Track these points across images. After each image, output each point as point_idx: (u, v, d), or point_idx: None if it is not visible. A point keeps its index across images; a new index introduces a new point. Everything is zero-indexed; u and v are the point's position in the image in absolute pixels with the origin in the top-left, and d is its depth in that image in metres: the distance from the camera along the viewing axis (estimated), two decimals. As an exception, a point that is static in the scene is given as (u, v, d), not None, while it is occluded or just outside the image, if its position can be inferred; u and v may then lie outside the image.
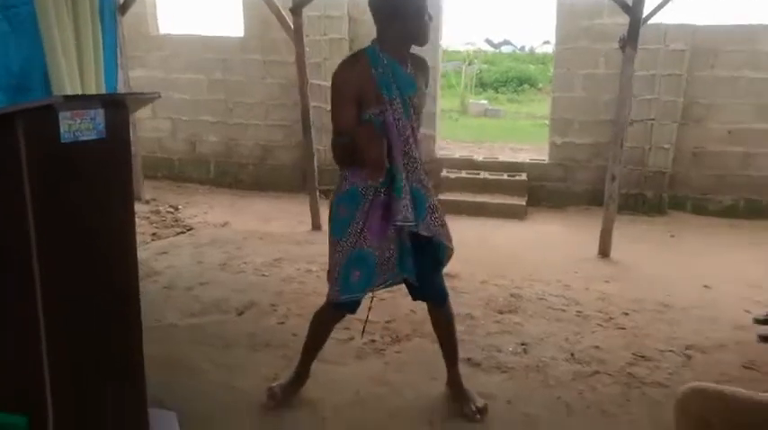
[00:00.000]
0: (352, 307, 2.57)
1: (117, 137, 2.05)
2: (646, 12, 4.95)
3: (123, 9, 5.83)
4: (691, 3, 6.39)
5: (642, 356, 3.25)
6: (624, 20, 5.00)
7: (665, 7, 5.10)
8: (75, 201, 1.96)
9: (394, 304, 3.67)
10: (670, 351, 3.33)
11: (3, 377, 1.91)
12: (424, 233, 2.47)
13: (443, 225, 2.56)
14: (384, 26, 2.36)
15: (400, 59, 2.39)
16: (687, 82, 6.48)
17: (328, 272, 2.60)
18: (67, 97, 2.08)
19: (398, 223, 2.41)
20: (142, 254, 4.76)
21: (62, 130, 1.87)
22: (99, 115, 1.96)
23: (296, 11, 5.34)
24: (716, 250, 5.51)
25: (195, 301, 3.87)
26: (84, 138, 1.95)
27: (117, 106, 2.04)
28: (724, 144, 6.60)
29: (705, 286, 4.48)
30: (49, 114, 1.79)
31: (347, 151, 2.31)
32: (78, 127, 1.93)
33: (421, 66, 2.52)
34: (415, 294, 2.67)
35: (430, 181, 2.57)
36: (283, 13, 5.43)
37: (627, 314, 3.85)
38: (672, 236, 5.99)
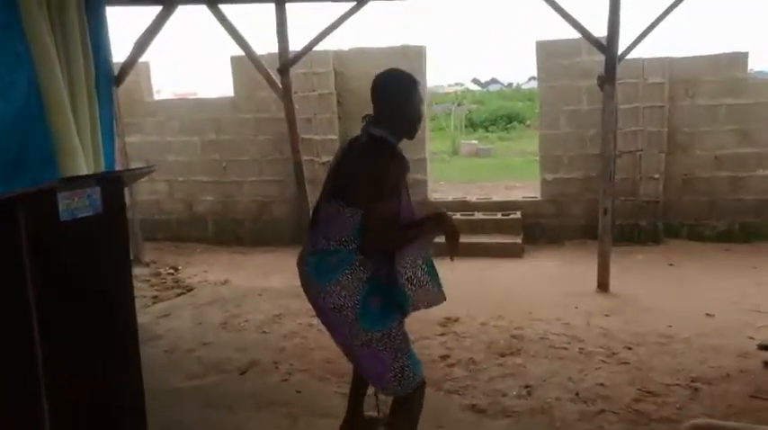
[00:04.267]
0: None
1: (113, 211, 2.12)
2: (621, 48, 5.12)
3: (118, 80, 5.99)
4: (666, 37, 6.58)
5: (648, 391, 3.24)
6: (602, 57, 5.16)
7: (640, 43, 5.28)
8: (73, 273, 2.01)
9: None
10: (676, 384, 3.32)
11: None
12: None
13: None
14: (395, 116, 2.33)
15: None
16: (669, 112, 6.64)
17: (381, 372, 2.36)
18: (66, 179, 2.17)
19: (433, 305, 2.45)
20: (143, 317, 4.77)
21: (61, 209, 1.94)
22: (95, 193, 2.04)
23: (283, 71, 5.51)
24: (715, 276, 5.53)
25: (197, 363, 3.86)
26: (82, 215, 2.02)
27: (112, 182, 2.12)
28: (712, 170, 6.71)
29: (707, 314, 4.49)
30: (49, 196, 1.87)
31: (410, 239, 2.32)
32: (76, 205, 2.00)
33: None
34: None
35: None
36: (271, 73, 5.59)
37: (630, 348, 3.85)
38: (670, 264, 6.01)
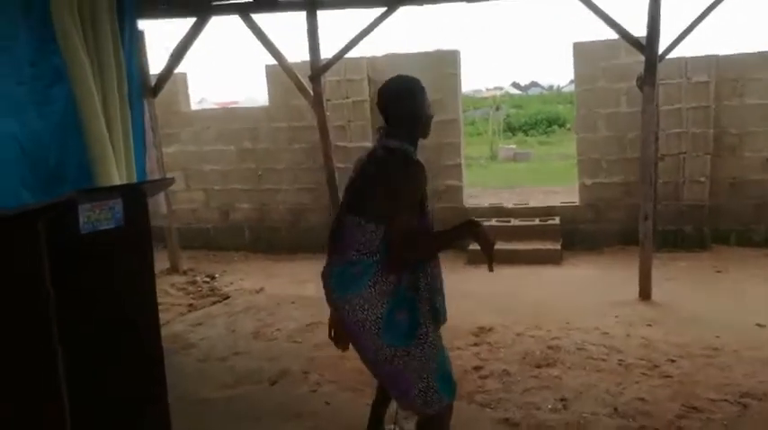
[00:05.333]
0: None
1: (135, 223, 2.12)
2: (662, 48, 4.93)
3: (155, 91, 6.12)
4: (711, 34, 6.34)
5: (693, 408, 3.07)
6: (641, 57, 4.98)
7: (682, 41, 5.07)
8: (95, 287, 2.02)
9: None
10: (723, 400, 3.14)
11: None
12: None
13: None
14: (408, 121, 2.31)
15: None
16: (715, 112, 6.37)
17: (405, 390, 2.29)
18: (87, 190, 2.18)
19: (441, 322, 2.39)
20: (178, 326, 4.83)
21: (81, 222, 1.95)
22: (117, 205, 2.04)
23: (314, 78, 5.52)
24: (765, 284, 5.26)
25: (229, 373, 3.87)
26: (104, 227, 2.02)
27: (135, 194, 2.12)
28: (762, 172, 6.40)
29: (758, 325, 4.26)
30: (70, 208, 1.87)
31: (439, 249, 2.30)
32: (97, 217, 2.00)
33: None
34: None
35: None
36: (303, 81, 5.61)
37: (673, 361, 3.66)
38: (718, 271, 5.75)
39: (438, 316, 2.35)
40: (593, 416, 3.03)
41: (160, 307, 2.47)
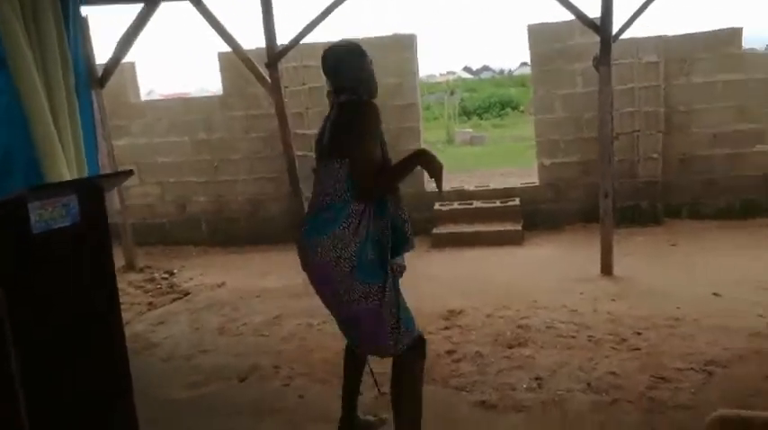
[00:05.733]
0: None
1: (93, 220, 2.00)
2: (615, 29, 5.00)
3: (102, 82, 5.84)
4: (659, 15, 6.45)
5: (661, 378, 3.15)
6: (595, 38, 5.04)
7: (634, 22, 5.15)
8: (52, 287, 1.89)
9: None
10: (689, 369, 3.23)
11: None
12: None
13: None
14: (352, 82, 2.43)
15: None
16: (665, 91, 6.53)
17: (376, 330, 2.33)
18: (37, 187, 2.04)
19: (409, 250, 2.49)
20: (138, 326, 4.66)
21: (33, 221, 1.82)
22: (72, 201, 1.92)
23: (271, 65, 5.37)
24: (718, 254, 5.45)
25: (196, 371, 3.74)
26: (58, 226, 1.89)
27: (91, 190, 1.99)
28: (710, 148, 6.62)
29: (714, 294, 4.40)
30: (18, 208, 1.74)
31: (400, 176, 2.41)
32: (51, 215, 1.88)
33: None
34: None
35: None
36: (259, 68, 5.45)
37: (639, 333, 3.75)
38: (672, 245, 5.93)
39: (406, 244, 2.45)
40: (568, 393, 3.06)
41: (122, 307, 2.35)
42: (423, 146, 7.27)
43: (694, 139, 6.63)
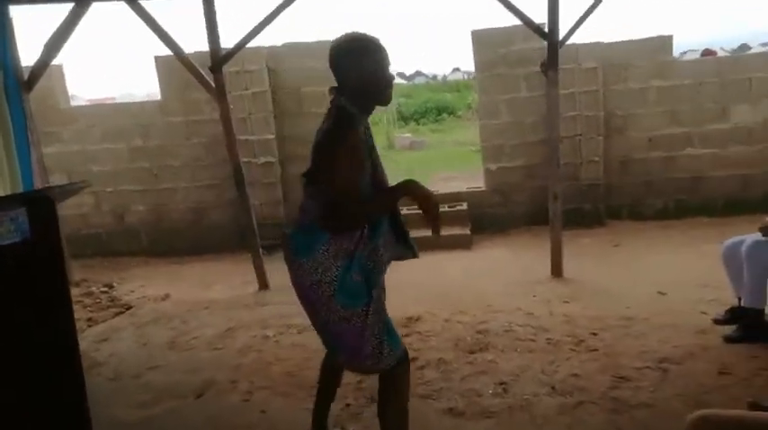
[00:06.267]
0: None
1: (44, 235, 1.83)
2: (562, 34, 5.12)
3: (29, 85, 5.45)
4: (599, 23, 6.68)
5: (621, 377, 3.21)
6: (538, 44, 5.17)
7: (580, 27, 5.29)
8: (1, 309, 1.72)
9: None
10: (646, 367, 3.31)
11: None
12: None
13: None
14: (354, 84, 2.13)
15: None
16: (604, 96, 6.77)
17: (359, 347, 2.21)
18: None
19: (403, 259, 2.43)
20: (80, 344, 4.36)
21: (-22, 238, 1.64)
22: (21, 215, 1.75)
23: (216, 69, 5.18)
24: (659, 253, 5.67)
25: (145, 390, 3.53)
26: (7, 242, 1.72)
27: (41, 203, 1.82)
28: (646, 151, 6.91)
29: (659, 292, 4.56)
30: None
31: (383, 212, 2.22)
32: (-2, 231, 1.70)
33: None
34: None
35: None
36: (202, 72, 5.25)
37: (595, 334, 3.83)
38: (616, 245, 6.13)
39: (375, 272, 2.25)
40: (534, 397, 3.07)
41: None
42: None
43: (632, 143, 6.90)
